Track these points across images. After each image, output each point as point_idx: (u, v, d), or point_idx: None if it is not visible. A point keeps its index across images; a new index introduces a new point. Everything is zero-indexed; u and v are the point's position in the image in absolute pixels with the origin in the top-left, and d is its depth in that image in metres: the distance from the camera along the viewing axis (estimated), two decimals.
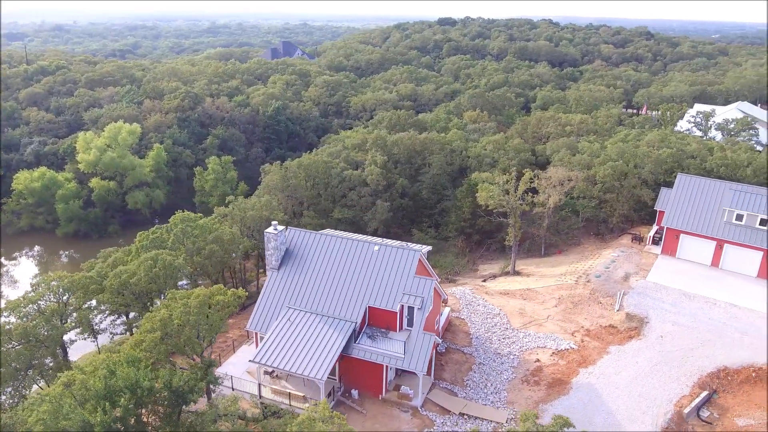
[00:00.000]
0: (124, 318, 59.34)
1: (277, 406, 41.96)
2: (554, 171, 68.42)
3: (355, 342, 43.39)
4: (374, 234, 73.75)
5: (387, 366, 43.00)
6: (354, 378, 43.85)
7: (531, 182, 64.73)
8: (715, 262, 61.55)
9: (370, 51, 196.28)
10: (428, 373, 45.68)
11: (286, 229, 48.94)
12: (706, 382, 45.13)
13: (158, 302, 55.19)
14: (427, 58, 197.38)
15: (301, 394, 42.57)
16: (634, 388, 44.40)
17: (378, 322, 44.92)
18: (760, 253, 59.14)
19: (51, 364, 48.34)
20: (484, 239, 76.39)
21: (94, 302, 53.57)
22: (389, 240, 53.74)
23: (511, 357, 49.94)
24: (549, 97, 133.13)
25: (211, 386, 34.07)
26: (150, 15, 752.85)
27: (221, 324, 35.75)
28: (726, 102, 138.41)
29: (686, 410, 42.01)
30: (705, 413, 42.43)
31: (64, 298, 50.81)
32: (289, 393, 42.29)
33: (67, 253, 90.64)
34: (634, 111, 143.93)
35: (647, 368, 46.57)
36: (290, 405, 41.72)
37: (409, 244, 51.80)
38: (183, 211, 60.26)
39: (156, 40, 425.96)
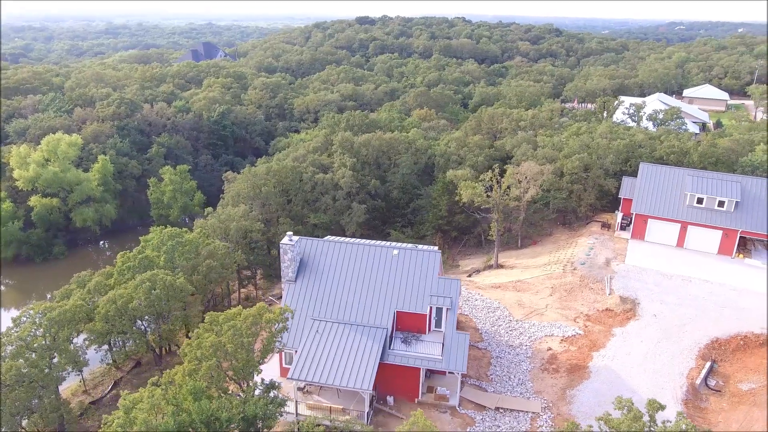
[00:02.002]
0: (108, 347, 55.14)
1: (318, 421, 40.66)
2: (528, 166, 71.08)
3: (389, 348, 42.97)
4: (352, 237, 73.11)
5: (422, 369, 43.01)
6: (389, 384, 43.38)
7: (510, 177, 66.98)
8: (680, 242, 66.84)
9: (299, 51, 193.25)
10: None
11: (299, 239, 47.42)
12: (706, 353, 49.11)
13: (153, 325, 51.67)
14: (357, 57, 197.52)
15: (340, 407, 41.57)
16: (647, 365, 47.42)
17: (407, 325, 44.78)
18: (719, 232, 64.97)
19: (47, 405, 43.81)
20: (460, 235, 78.01)
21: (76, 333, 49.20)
22: (396, 243, 53.60)
23: (524, 348, 51.54)
24: (486, 94, 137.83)
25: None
26: (34, 15, 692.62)
27: (273, 343, 34.13)
28: (642, 93, 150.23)
29: (698, 381, 45.52)
30: (712, 382, 46.20)
31: (51, 331, 46.15)
32: (330, 407, 41.16)
33: (7, 281, 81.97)
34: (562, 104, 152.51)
35: (652, 346, 49.87)
36: (331, 419, 40.58)
37: (418, 246, 51.93)
38: (167, 227, 56.53)
39: (49, 42, 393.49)
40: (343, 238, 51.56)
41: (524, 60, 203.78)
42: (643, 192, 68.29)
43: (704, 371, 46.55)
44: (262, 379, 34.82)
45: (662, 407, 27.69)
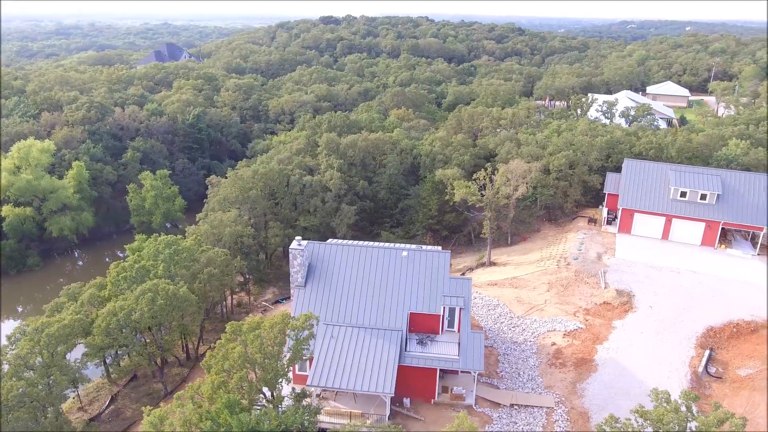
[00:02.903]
0: (103, 361, 53.13)
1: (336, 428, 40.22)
2: (516, 164, 72.07)
3: (405, 350, 42.86)
4: (343, 239, 72.58)
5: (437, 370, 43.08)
6: (405, 386, 43.15)
7: (497, 175, 67.74)
8: (665, 235, 69.04)
9: (268, 52, 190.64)
10: None
11: (307, 243, 46.75)
12: (704, 342, 50.89)
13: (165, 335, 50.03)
14: (326, 57, 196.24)
15: (359, 411, 41.25)
16: (651, 356, 48.79)
17: (420, 327, 44.76)
18: (702, 224, 67.41)
19: (48, 425, 41.87)
20: (451, 234, 78.46)
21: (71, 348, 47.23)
22: (401, 244, 53.51)
23: (528, 344, 52.27)
24: (460, 93, 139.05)
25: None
26: None
27: (302, 351, 33.52)
28: (608, 91, 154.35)
29: (699, 369, 47.14)
30: (712, 369, 47.91)
31: (49, 347, 44.10)
32: (350, 412, 40.75)
33: None
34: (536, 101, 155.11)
35: (652, 337, 51.35)
36: (352, 425, 40.15)
37: (423, 246, 52.01)
38: (161, 235, 54.83)
39: None
40: (350, 241, 51.13)
41: (491, 59, 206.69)
42: (628, 187, 70.19)
43: (704, 359, 48.24)
44: (293, 389, 34.18)
45: (697, 398, 28.53)
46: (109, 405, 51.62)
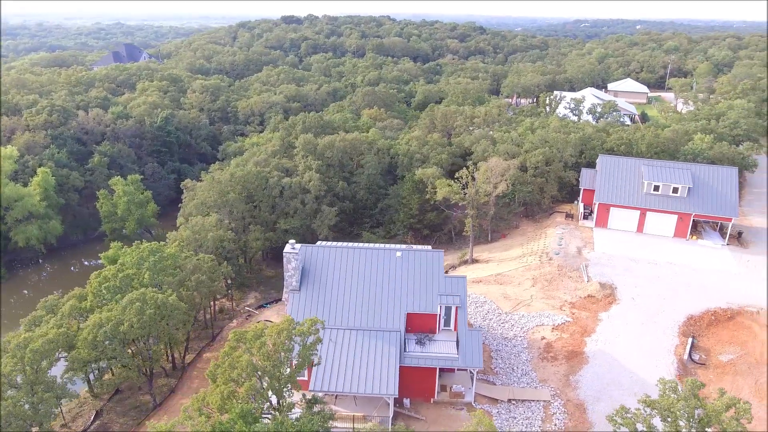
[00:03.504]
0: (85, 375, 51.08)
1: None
2: (495, 162, 72.96)
3: (404, 350, 42.85)
4: (325, 240, 72.06)
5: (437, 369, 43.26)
6: (405, 386, 43.05)
7: (478, 174, 68.51)
8: (640, 228, 71.16)
9: (232, 52, 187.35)
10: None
11: (301, 246, 46.21)
12: (686, 330, 52.72)
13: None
14: (291, 57, 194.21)
15: (361, 414, 41.06)
16: (638, 346, 50.25)
17: (418, 327, 44.83)
18: (675, 217, 69.81)
19: None
20: (432, 233, 78.84)
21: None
22: (395, 245, 53.46)
23: (519, 339, 53.07)
24: (429, 92, 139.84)
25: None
26: None
27: (309, 357, 33.09)
28: (572, 88, 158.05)
29: (685, 357, 48.83)
30: (696, 356, 49.69)
31: (33, 364, 42.18)
32: (353, 416, 40.51)
33: None
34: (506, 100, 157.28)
35: (637, 327, 52.89)
36: (354, 428, 39.98)
37: (414, 246, 52.11)
38: (143, 242, 53.18)
39: None
40: (342, 243, 50.79)
41: (455, 57, 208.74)
42: (603, 182, 72.00)
43: (688, 347, 49.97)
44: (303, 395, 33.72)
45: (702, 385, 29.51)
46: (94, 420, 49.75)
